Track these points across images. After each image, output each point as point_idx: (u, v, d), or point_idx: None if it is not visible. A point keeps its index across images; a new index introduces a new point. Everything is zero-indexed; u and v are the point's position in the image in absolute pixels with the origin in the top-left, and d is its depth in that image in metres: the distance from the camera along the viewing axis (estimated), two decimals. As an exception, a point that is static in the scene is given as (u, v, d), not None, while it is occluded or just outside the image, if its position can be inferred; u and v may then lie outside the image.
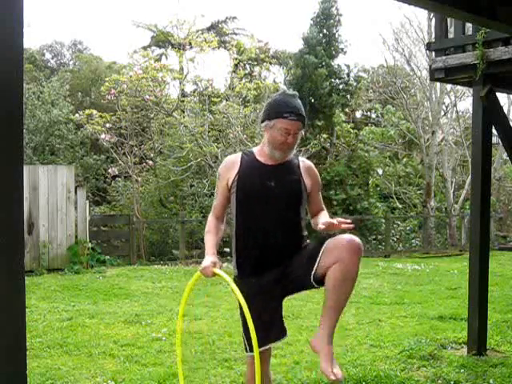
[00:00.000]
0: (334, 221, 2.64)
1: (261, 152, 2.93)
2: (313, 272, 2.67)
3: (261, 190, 2.84)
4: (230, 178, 2.89)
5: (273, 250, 2.83)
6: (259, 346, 2.64)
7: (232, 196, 2.91)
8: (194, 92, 16.51)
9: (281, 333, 2.87)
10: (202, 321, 6.29)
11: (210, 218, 3.02)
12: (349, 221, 2.63)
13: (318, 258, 2.66)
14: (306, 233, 2.96)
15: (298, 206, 2.89)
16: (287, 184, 2.87)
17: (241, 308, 2.80)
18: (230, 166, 2.93)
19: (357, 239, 2.62)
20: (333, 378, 2.57)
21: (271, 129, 2.82)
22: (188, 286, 2.96)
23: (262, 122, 2.88)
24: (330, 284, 2.61)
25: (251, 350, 2.73)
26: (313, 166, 3.03)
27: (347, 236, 2.63)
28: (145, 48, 21.13)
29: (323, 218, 2.83)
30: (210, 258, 2.82)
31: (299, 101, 2.86)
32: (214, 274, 2.76)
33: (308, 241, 2.94)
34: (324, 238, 2.72)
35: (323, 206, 3.05)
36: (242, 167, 2.89)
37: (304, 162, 2.98)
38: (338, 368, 2.60)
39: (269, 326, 2.81)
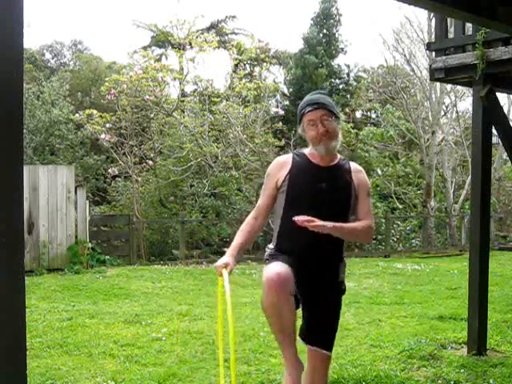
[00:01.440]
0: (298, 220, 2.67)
1: (312, 153, 2.90)
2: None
3: (311, 190, 2.81)
4: (280, 177, 2.86)
5: (314, 251, 2.78)
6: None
7: (280, 195, 2.87)
8: (194, 92, 16.52)
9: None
10: (203, 321, 6.29)
11: (249, 218, 2.96)
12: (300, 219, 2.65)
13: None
14: (344, 253, 2.93)
15: (346, 210, 2.85)
16: (338, 186, 2.84)
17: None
18: (280, 166, 2.90)
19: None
20: None
21: (305, 131, 2.85)
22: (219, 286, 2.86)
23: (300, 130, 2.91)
24: None
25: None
26: (363, 171, 3.00)
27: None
28: (145, 48, 21.14)
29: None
30: (225, 257, 2.80)
31: (320, 94, 2.88)
32: (221, 275, 2.75)
33: (343, 270, 2.91)
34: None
35: (371, 216, 2.92)
36: (294, 167, 2.87)
37: (355, 166, 2.97)
38: None
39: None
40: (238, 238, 2.89)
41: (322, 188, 2.79)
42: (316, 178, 2.82)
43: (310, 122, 2.79)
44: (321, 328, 2.87)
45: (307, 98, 2.90)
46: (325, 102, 2.81)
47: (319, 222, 2.66)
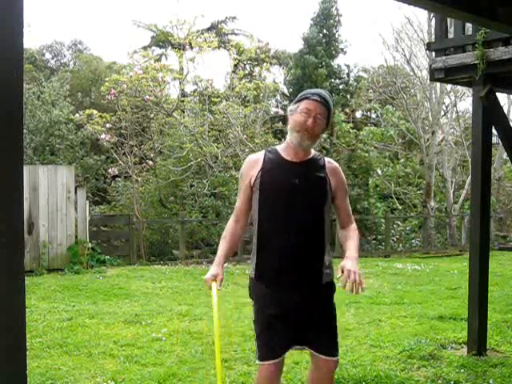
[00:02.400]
0: (348, 275, 2.54)
1: (285, 149, 2.84)
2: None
3: (285, 186, 2.73)
4: (252, 175, 2.79)
5: (294, 253, 2.72)
6: (266, 358, 2.73)
7: (254, 194, 2.80)
8: (194, 92, 16.52)
9: (286, 348, 2.79)
10: (202, 321, 6.28)
11: (230, 222, 2.89)
12: (362, 285, 2.55)
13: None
14: (330, 258, 2.84)
15: (322, 204, 2.78)
16: (312, 181, 2.77)
17: (254, 316, 2.80)
18: (252, 164, 2.83)
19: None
20: None
21: (294, 113, 2.78)
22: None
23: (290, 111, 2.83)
24: None
25: (261, 359, 2.76)
26: (339, 168, 2.92)
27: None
28: (145, 48, 21.14)
29: (347, 254, 2.69)
30: (213, 268, 2.76)
31: (328, 96, 2.84)
32: (210, 288, 2.73)
33: (332, 276, 2.83)
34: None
35: (352, 217, 2.92)
36: (265, 164, 2.79)
37: (330, 163, 2.87)
38: None
39: (275, 339, 2.73)
40: (223, 246, 2.83)
41: (295, 184, 2.72)
42: (289, 173, 2.75)
43: (306, 109, 2.73)
44: (325, 335, 2.79)
45: (317, 90, 2.85)
46: (329, 105, 2.79)
47: (353, 271, 2.57)
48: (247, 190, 2.82)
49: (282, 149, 2.85)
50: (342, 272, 2.56)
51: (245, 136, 14.20)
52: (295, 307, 2.72)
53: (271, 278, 2.76)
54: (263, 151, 2.92)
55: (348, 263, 2.60)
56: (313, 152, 2.87)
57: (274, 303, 2.71)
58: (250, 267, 2.89)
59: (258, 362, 2.80)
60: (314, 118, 2.72)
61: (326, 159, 2.89)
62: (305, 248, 2.73)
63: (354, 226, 2.91)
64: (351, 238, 2.82)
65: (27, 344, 2.00)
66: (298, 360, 4.66)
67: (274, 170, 2.78)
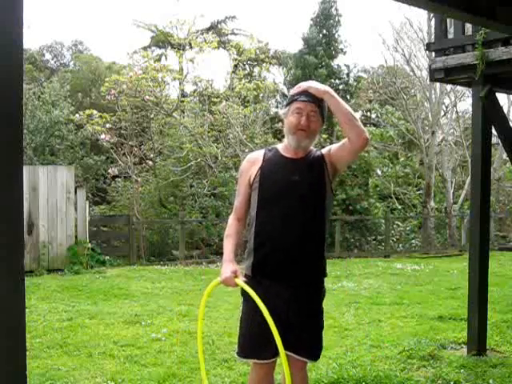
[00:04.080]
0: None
1: (284, 147, 2.84)
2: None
3: (284, 184, 2.72)
4: (252, 173, 2.78)
5: (294, 250, 2.70)
6: (258, 357, 2.73)
7: (253, 192, 2.78)
8: (194, 92, 16.52)
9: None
10: (202, 321, 6.28)
11: (231, 221, 2.86)
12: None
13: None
14: (324, 260, 2.83)
15: (323, 201, 2.77)
16: (313, 177, 2.75)
17: (244, 312, 2.78)
18: (252, 162, 2.82)
19: None
20: None
21: (287, 116, 2.77)
22: (206, 293, 2.84)
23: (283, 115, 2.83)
24: None
25: (242, 355, 2.79)
26: (330, 146, 2.88)
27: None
28: (145, 48, 21.13)
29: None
30: (229, 265, 2.69)
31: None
32: (237, 285, 2.65)
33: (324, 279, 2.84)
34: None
35: None
36: (265, 162, 2.79)
37: (324, 150, 2.85)
38: None
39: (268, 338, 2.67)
40: (230, 244, 2.78)
41: (295, 180, 2.71)
42: (288, 170, 2.73)
43: (297, 109, 2.71)
44: (310, 338, 2.78)
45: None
46: (319, 100, 2.73)
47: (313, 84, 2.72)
48: (246, 188, 2.81)
49: (282, 148, 2.85)
50: None
51: (244, 136, 14.19)
52: (288, 305, 2.70)
53: (269, 276, 2.73)
54: (263, 150, 2.92)
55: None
56: (311, 149, 2.85)
57: (269, 301, 2.63)
58: (244, 265, 2.86)
59: (250, 360, 2.83)
60: (307, 116, 2.71)
61: (323, 149, 2.86)
62: (304, 245, 2.72)
63: None
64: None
65: (27, 344, 2.00)
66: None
67: (273, 167, 2.77)
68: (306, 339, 2.74)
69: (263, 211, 2.75)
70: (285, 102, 2.88)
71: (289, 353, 2.65)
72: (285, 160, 2.78)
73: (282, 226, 2.70)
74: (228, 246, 2.79)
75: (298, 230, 2.70)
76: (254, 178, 2.77)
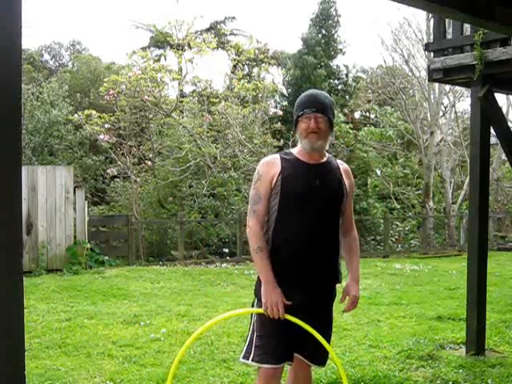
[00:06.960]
0: (353, 302, 2.90)
1: (299, 151, 2.84)
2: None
3: (306, 188, 2.72)
4: (273, 176, 2.73)
5: (312, 254, 2.70)
6: (274, 362, 2.73)
7: (273, 197, 2.74)
8: (193, 92, 16.52)
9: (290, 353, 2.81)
10: (201, 321, 6.28)
11: (257, 229, 2.72)
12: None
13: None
14: (340, 266, 2.87)
15: (340, 205, 2.81)
16: (331, 183, 2.79)
17: (257, 316, 2.76)
18: (271, 165, 2.77)
19: None
20: None
21: (299, 125, 2.81)
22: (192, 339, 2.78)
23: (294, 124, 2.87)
24: None
25: (263, 360, 2.74)
26: (350, 170, 2.97)
27: None
28: (143, 49, 21.09)
29: (351, 276, 2.88)
30: (275, 290, 2.64)
31: (318, 95, 2.81)
32: (284, 317, 2.63)
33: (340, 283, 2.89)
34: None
35: (354, 223, 2.97)
36: (284, 166, 2.76)
37: (343, 165, 2.92)
38: None
39: (286, 343, 2.74)
40: (267, 259, 2.68)
41: (316, 184, 2.73)
42: (308, 175, 2.75)
43: (306, 117, 2.75)
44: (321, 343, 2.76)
45: (305, 98, 2.81)
46: (323, 105, 2.76)
47: (357, 298, 2.90)
48: (269, 191, 2.75)
49: (297, 152, 2.85)
50: (348, 295, 2.82)
51: (243, 136, 14.20)
52: (306, 309, 2.72)
53: (287, 279, 2.71)
54: (277, 154, 2.90)
55: (353, 289, 2.82)
56: (327, 155, 2.90)
57: (289, 308, 2.66)
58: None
59: (261, 365, 2.76)
60: (314, 119, 2.74)
61: (339, 161, 2.94)
62: (322, 249, 2.75)
63: (355, 234, 2.97)
64: (354, 253, 2.91)
65: (26, 344, 2.00)
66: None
67: (293, 172, 2.75)
68: (323, 348, 2.73)
69: (284, 215, 2.73)
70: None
71: (302, 358, 2.79)
72: (304, 164, 2.79)
73: (302, 229, 2.71)
74: (265, 262, 2.68)
75: (316, 232, 2.72)
76: (276, 182, 2.73)
